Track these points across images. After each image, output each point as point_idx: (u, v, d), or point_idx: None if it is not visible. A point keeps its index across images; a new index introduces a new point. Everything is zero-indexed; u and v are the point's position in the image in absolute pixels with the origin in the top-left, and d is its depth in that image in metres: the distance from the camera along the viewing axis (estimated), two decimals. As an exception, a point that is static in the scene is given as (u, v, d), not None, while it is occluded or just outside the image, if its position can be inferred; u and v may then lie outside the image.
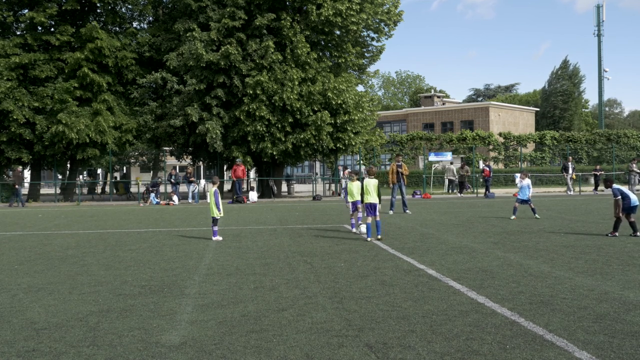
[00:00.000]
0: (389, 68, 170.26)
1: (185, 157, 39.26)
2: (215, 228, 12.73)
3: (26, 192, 34.33)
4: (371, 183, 12.40)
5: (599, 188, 32.83)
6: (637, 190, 27.08)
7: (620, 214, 12.21)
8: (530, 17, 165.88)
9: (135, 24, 35.72)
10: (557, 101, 71.34)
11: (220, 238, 12.73)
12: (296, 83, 29.10)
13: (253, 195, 29.70)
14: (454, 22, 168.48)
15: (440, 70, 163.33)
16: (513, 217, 16.98)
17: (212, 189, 12.98)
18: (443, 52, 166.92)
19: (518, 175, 17.93)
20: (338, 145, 30.58)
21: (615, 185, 12.51)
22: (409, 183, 39.21)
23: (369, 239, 12.18)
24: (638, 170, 31.93)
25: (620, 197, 12.22)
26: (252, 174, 35.37)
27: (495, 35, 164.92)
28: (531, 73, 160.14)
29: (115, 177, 50.66)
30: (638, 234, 12.26)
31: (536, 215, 16.92)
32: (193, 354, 4.90)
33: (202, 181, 37.46)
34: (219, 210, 12.60)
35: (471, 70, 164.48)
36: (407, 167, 21.32)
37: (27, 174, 38.57)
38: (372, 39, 34.58)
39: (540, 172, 42.73)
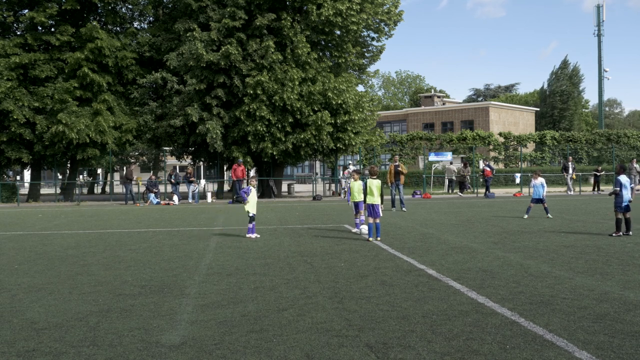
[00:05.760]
0: (389, 68, 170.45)
1: (185, 157, 39.24)
2: (250, 225, 13.09)
3: (26, 192, 34.32)
4: (374, 184, 12.27)
5: (601, 188, 32.81)
6: (638, 191, 27.06)
7: (618, 215, 12.21)
8: (537, 17, 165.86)
9: (135, 24, 35.72)
10: (555, 101, 71.32)
11: (253, 236, 12.99)
12: (296, 83, 29.09)
13: (253, 195, 29.64)
14: (456, 21, 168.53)
15: (440, 70, 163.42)
16: (526, 216, 17.03)
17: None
18: (445, 51, 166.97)
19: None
20: (338, 145, 30.59)
21: (620, 177, 12.40)
22: (409, 183, 39.25)
23: (369, 239, 12.18)
24: (638, 170, 31.92)
25: (617, 188, 12.17)
26: (252, 173, 35.30)
27: (499, 34, 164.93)
28: (534, 73, 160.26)
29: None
30: (630, 232, 12.28)
31: (549, 215, 16.96)
32: (193, 354, 4.90)
33: (202, 181, 37.39)
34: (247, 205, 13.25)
35: (472, 70, 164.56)
36: (404, 167, 22.55)
37: (27, 174, 38.62)
38: (372, 39, 34.59)
39: (541, 172, 42.71)
